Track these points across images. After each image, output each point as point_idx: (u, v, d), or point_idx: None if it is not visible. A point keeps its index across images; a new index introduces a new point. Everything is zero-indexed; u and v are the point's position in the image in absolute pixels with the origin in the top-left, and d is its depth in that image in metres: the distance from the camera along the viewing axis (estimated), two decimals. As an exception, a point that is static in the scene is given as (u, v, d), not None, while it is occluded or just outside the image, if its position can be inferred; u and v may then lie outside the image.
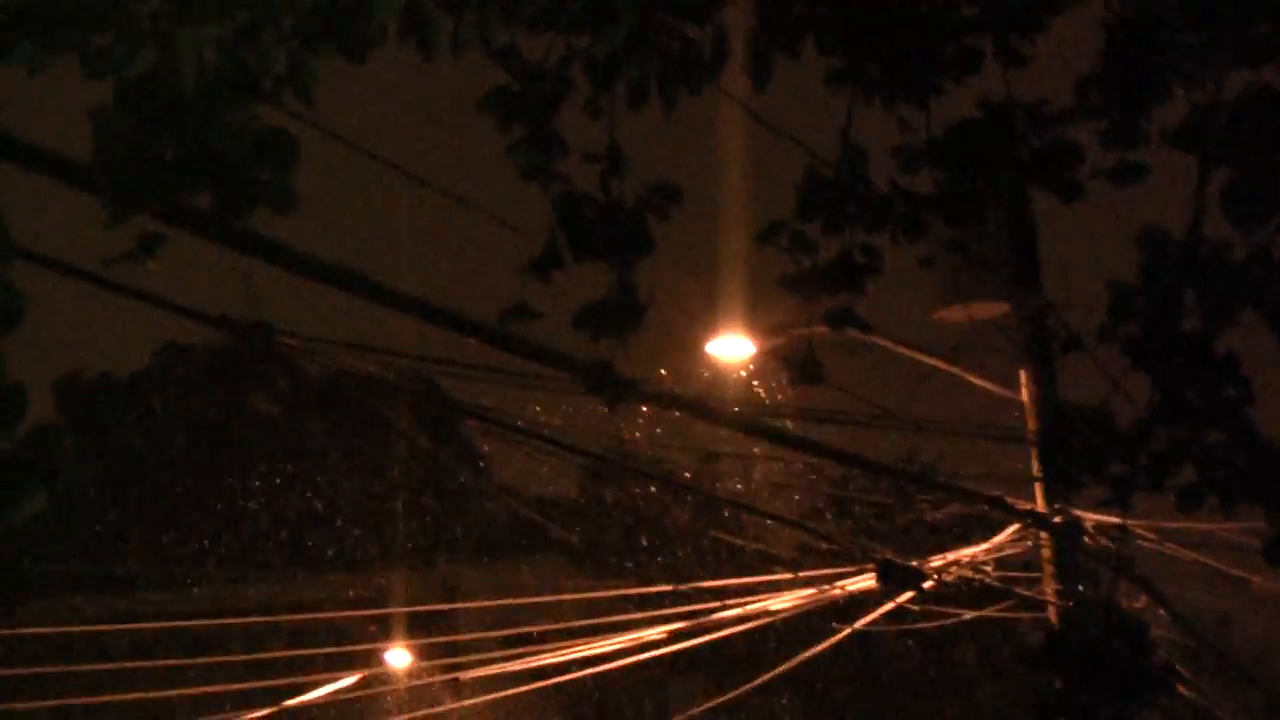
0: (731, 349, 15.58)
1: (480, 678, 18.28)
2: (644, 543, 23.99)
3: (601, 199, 3.78)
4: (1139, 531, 15.85)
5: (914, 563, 15.02)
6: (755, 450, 15.79)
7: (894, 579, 14.41)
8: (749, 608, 16.09)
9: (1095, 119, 3.92)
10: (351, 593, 25.06)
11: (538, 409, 13.20)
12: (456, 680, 19.03)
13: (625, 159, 3.83)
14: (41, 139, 7.01)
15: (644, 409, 16.07)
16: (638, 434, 18.36)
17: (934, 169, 3.96)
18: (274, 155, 3.49)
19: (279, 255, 9.27)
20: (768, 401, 16.12)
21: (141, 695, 18.15)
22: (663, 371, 13.87)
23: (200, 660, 18.79)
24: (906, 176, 4.00)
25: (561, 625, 18.05)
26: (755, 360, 15.94)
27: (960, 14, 3.97)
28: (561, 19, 3.73)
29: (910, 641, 26.12)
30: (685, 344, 15.17)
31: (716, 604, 16.49)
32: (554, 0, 3.69)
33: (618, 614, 17.96)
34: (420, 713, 20.74)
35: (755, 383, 16.59)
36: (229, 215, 3.47)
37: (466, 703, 19.93)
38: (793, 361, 3.93)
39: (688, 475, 19.80)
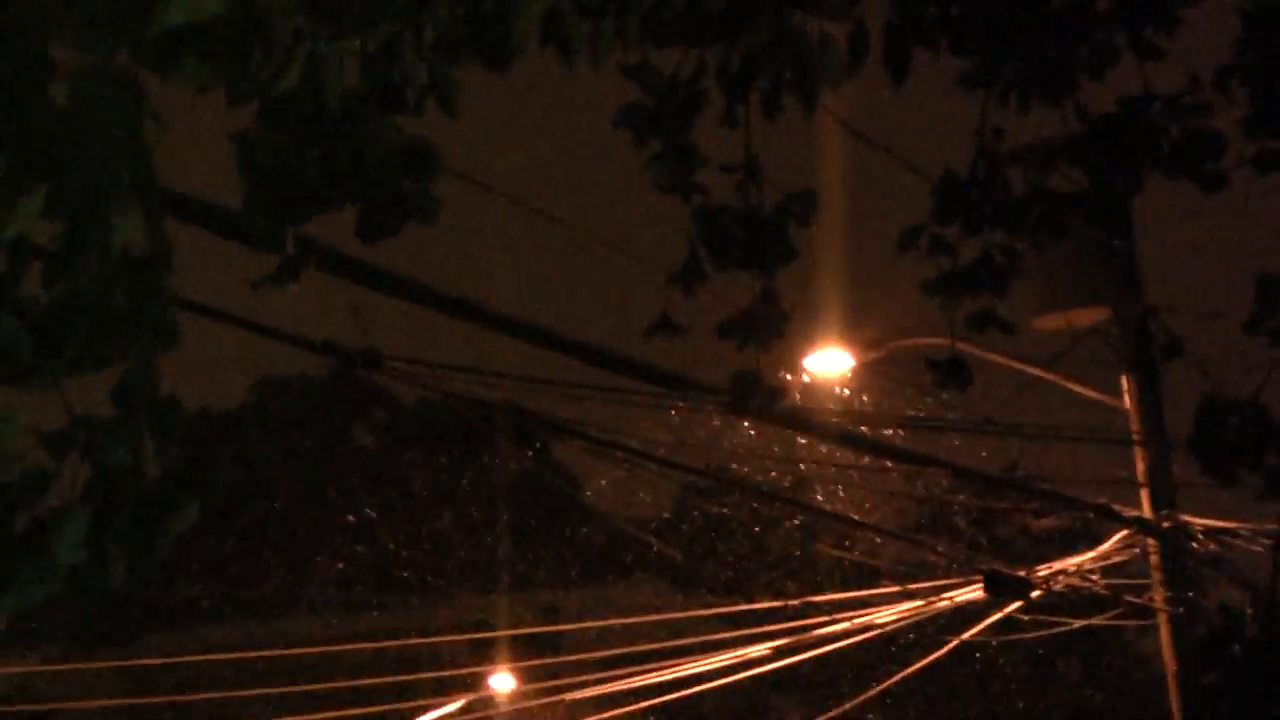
0: (830, 362, 15.51)
1: (584, 699, 18.25)
2: (746, 560, 23.93)
3: (740, 209, 3.75)
4: (1244, 533, 15.66)
5: (1021, 572, 14.90)
6: (860, 463, 15.68)
7: (1002, 589, 14.29)
8: (854, 622, 15.99)
9: (1236, 108, 3.86)
10: (454, 618, 25.08)
11: (644, 430, 13.14)
12: (561, 702, 19.00)
13: (761, 168, 3.80)
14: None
15: (745, 426, 16.04)
16: (738, 450, 18.28)
17: (1073, 166, 3.91)
18: (418, 166, 3.48)
19: (384, 281, 9.30)
20: (877, 412, 16.01)
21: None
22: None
23: (304, 688, 18.83)
24: (1045, 175, 3.95)
25: (664, 645, 17.99)
26: (854, 373, 15.88)
27: (1095, 9, 3.92)
28: (698, 25, 3.70)
29: (1009, 656, 25.91)
30: (784, 357, 15.12)
31: (821, 619, 16.40)
32: (690, 5, 3.67)
33: (720, 632, 17.88)
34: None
35: (863, 396, 16.50)
36: (376, 229, 3.46)
37: (572, 724, 19.89)
38: (938, 365, 3.87)
39: (788, 490, 19.73)
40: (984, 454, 17.73)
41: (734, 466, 19.91)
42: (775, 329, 3.76)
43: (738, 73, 3.80)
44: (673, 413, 12.81)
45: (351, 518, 30.06)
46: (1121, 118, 3.86)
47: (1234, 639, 3.42)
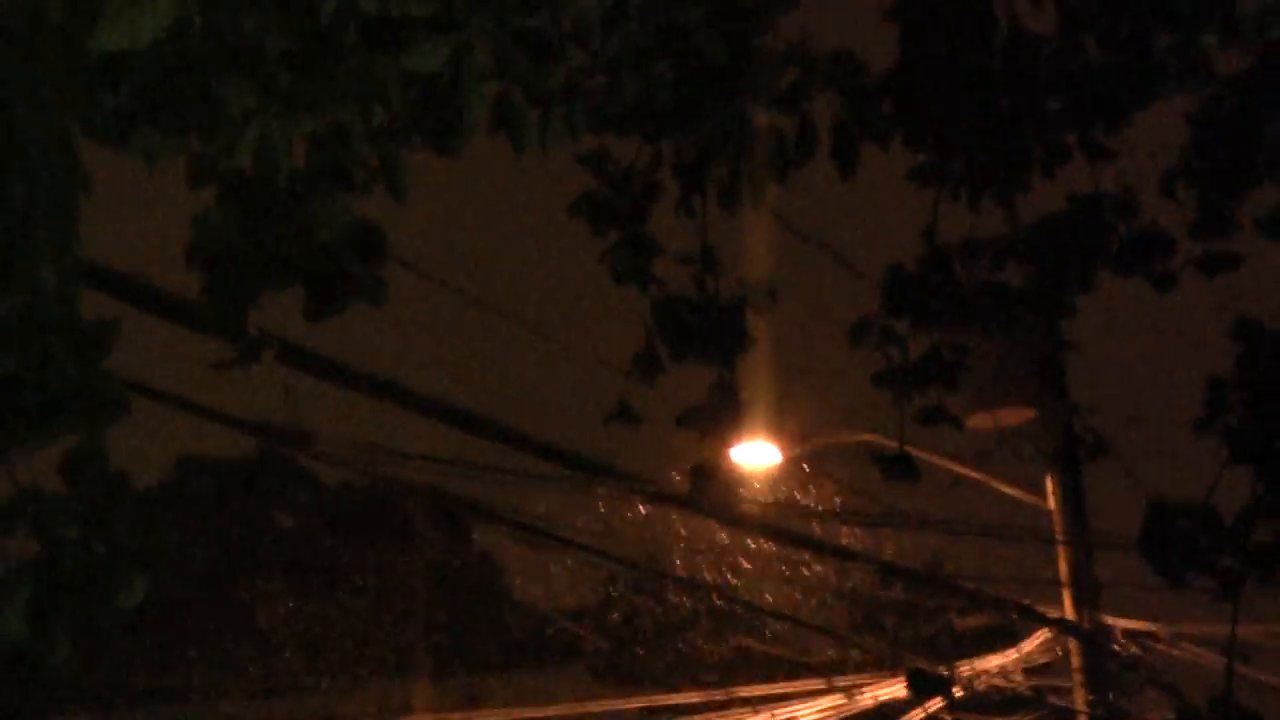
0: (757, 455, 15.47)
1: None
2: (670, 652, 23.82)
3: (696, 299, 3.74)
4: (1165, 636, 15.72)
5: (943, 670, 14.87)
6: (787, 557, 15.68)
7: (924, 687, 14.25)
8: (777, 716, 15.91)
9: (1184, 209, 3.88)
10: (374, 704, 24.89)
11: (579, 521, 13.09)
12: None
13: (718, 258, 3.79)
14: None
15: (673, 516, 16.01)
16: (659, 541, 18.25)
17: (1022, 263, 3.91)
18: (365, 248, 3.47)
19: (314, 363, 9.24)
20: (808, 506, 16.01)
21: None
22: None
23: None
24: (994, 271, 3.95)
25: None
26: (781, 466, 15.85)
27: (1046, 109, 3.93)
28: (649, 117, 3.70)
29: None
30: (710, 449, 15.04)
31: (744, 712, 16.32)
32: (642, 97, 3.66)
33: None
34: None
35: (790, 489, 16.49)
36: (322, 309, 3.44)
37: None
38: (886, 460, 3.86)
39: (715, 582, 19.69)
40: (909, 551, 17.76)
41: (660, 557, 19.85)
42: (733, 419, 3.75)
43: (693, 164, 3.80)
44: (601, 505, 12.79)
45: (275, 598, 29.81)
46: (1072, 215, 3.87)
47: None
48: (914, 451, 12.83)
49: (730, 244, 4.15)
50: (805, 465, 15.99)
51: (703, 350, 3.71)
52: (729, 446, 3.71)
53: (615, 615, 24.49)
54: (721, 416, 3.71)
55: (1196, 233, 3.89)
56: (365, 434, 11.04)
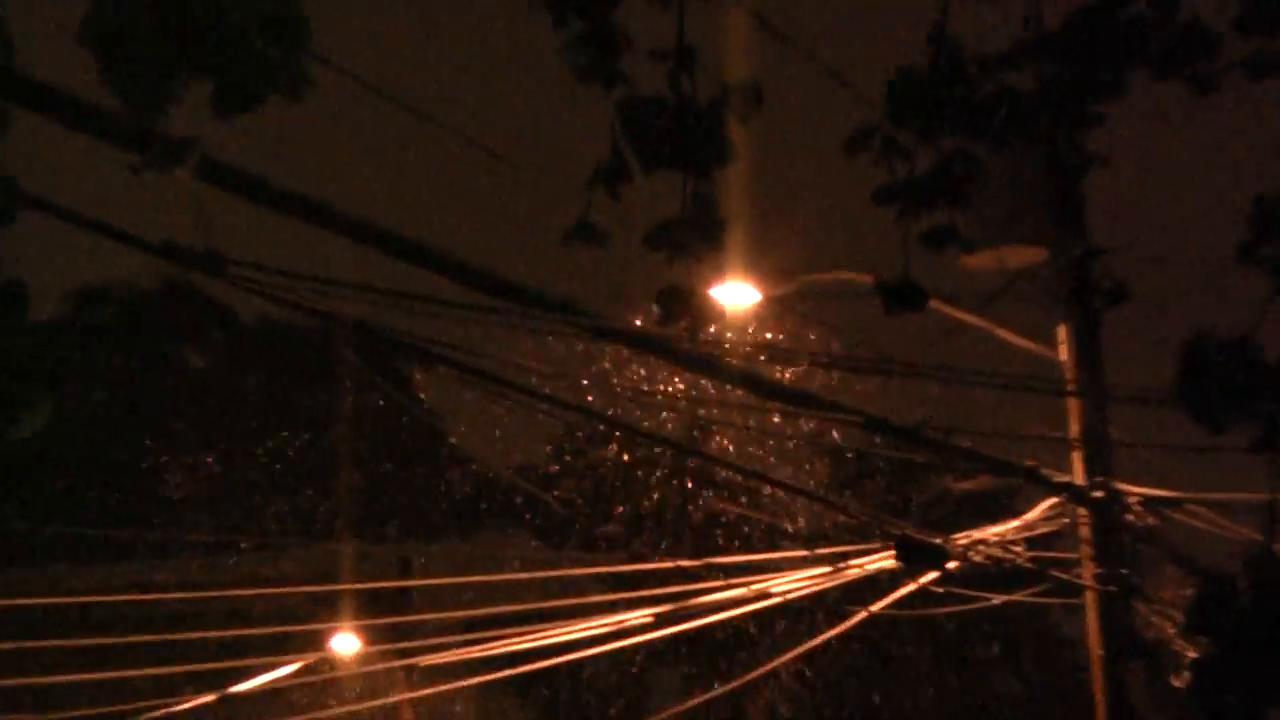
0: (733, 295, 15.43)
1: (438, 665, 18.22)
2: (633, 515, 23.90)
3: (670, 100, 3.67)
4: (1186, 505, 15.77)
5: (938, 540, 14.92)
6: (764, 409, 15.65)
7: (916, 557, 14.29)
8: (751, 588, 15.98)
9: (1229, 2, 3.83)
10: (293, 569, 24.99)
11: (530, 365, 12.99)
12: (412, 667, 18.96)
13: (696, 56, 3.71)
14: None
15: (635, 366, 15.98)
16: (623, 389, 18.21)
17: (1045, 64, 3.84)
18: (285, 33, 3.40)
19: (231, 180, 9.15)
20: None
21: (60, 678, 18.03)
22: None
23: (124, 640, 18.66)
24: (1011, 74, 3.89)
25: (531, 607, 17.97)
26: (760, 308, 15.84)
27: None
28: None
29: (916, 633, 26.09)
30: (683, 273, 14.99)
31: (714, 584, 16.38)
32: None
33: (599, 595, 17.88)
34: (371, 703, 20.69)
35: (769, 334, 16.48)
36: (235, 102, 3.37)
37: (423, 692, 19.87)
38: (886, 288, 3.81)
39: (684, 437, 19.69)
40: (903, 408, 17.77)
41: (622, 408, 19.87)
42: (711, 240, 3.69)
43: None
44: (556, 347, 12.74)
45: (182, 446, 29.84)
46: (1104, 9, 3.80)
47: (1226, 607, 3.39)
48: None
49: (709, 45, 4.08)
50: (787, 306, 15.97)
51: (676, 158, 3.65)
52: (704, 272, 3.64)
53: (571, 472, 24.56)
54: (696, 234, 3.66)
55: (1242, 26, 3.84)
56: (288, 261, 10.95)
